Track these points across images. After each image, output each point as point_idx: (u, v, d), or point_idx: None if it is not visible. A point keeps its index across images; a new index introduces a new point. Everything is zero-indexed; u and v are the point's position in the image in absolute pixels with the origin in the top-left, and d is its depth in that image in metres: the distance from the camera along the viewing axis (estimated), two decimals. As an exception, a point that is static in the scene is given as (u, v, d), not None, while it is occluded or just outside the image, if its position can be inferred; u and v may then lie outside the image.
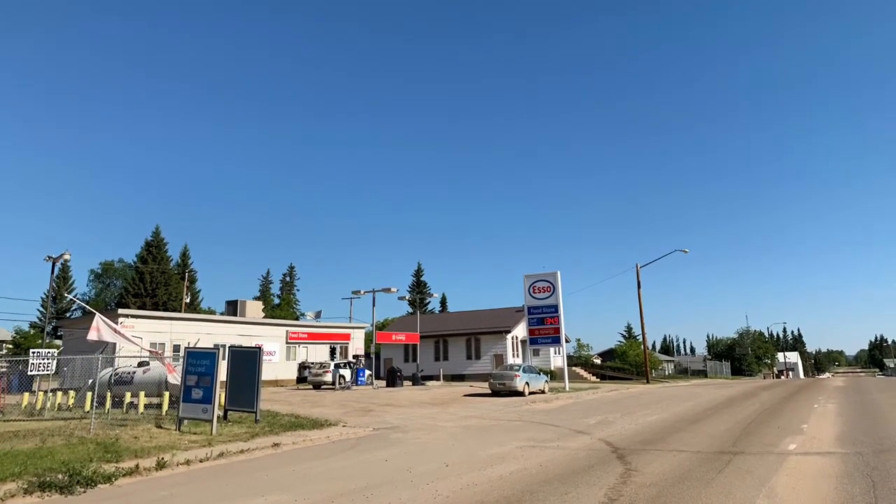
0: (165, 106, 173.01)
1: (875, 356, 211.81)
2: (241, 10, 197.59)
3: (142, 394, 19.45)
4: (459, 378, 48.88)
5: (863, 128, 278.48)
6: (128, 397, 19.47)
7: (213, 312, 67.05)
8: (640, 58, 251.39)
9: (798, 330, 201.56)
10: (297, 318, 69.94)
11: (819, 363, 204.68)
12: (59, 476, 9.33)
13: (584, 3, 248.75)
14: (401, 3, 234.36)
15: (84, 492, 8.90)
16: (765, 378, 78.42)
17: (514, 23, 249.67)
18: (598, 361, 70.56)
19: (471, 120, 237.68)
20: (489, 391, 30.83)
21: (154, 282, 66.91)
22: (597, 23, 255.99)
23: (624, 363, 62.30)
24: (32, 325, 66.43)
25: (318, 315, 57.79)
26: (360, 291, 44.71)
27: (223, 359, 16.32)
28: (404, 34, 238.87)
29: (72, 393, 21.50)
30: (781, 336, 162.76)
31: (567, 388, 35.35)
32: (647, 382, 48.56)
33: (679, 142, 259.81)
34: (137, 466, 10.32)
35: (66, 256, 34.76)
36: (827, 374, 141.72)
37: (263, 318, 50.01)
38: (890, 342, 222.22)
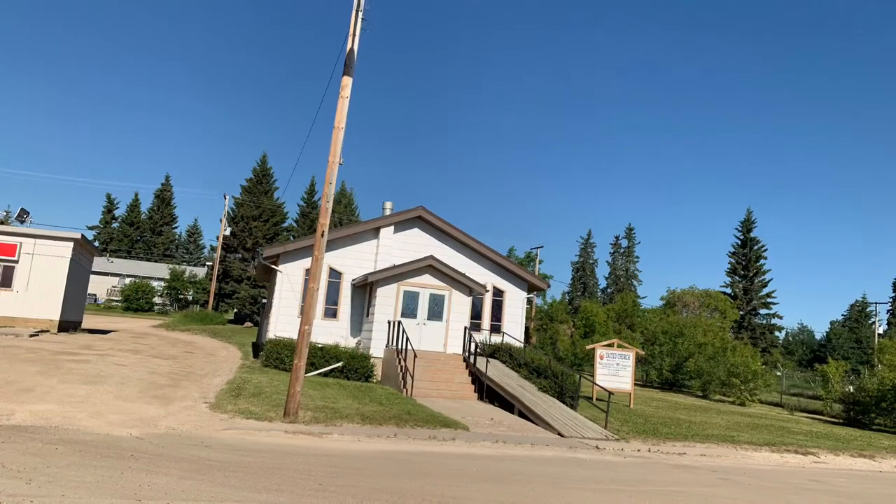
0: (164, 124, 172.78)
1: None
2: (241, 23, 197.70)
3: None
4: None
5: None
6: None
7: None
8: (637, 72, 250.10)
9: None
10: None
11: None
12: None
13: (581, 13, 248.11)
14: (399, 15, 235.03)
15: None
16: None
17: (514, 42, 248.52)
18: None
19: (468, 142, 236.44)
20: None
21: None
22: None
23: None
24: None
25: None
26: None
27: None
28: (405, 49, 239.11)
29: None
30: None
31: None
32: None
33: (675, 168, 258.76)
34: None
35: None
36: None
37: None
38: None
